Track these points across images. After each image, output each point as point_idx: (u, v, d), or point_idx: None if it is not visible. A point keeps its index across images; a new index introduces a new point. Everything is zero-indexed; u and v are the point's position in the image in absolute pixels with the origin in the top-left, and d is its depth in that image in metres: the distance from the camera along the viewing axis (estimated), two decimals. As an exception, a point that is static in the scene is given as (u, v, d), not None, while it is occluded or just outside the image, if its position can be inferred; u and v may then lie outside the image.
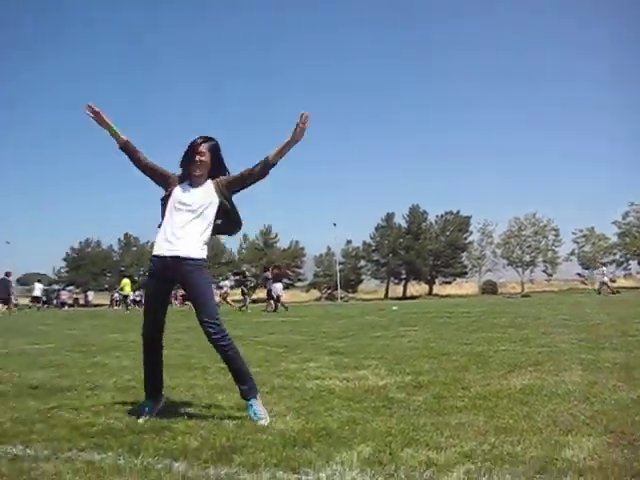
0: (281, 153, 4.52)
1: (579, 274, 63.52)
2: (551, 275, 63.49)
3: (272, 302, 26.90)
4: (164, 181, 4.57)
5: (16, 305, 31.62)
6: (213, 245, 70.04)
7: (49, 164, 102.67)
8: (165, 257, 4.35)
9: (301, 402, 4.90)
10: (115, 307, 45.06)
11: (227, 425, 4.13)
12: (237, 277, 55.22)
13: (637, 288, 50.21)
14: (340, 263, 65.23)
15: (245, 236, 70.41)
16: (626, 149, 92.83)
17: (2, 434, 4.05)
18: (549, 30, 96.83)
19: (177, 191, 4.46)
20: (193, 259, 4.36)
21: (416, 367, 6.61)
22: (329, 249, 70.50)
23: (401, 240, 67.34)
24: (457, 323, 14.13)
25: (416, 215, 68.15)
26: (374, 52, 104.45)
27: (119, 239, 72.52)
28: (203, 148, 4.44)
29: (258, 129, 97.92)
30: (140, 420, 4.29)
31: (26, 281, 62.64)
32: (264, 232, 71.11)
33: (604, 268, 42.23)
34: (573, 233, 62.44)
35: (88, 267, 68.79)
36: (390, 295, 65.26)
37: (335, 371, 6.55)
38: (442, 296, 59.21)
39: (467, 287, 67.02)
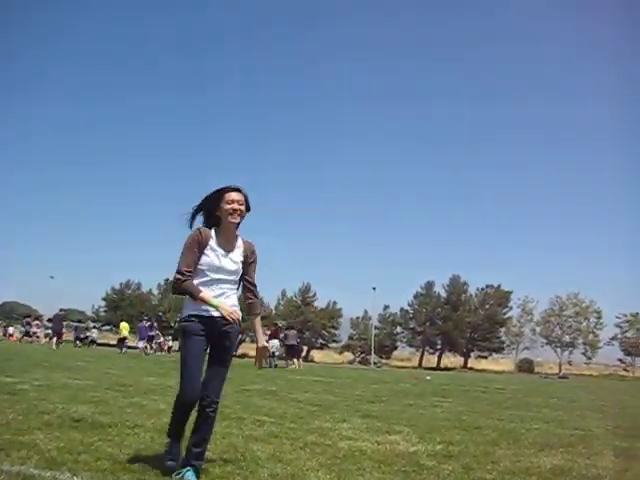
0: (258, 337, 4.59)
1: (620, 360, 61.95)
2: (590, 358, 62.02)
3: (295, 360, 26.97)
4: (199, 248, 4.27)
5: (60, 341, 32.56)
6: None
7: (99, 202, 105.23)
8: (214, 317, 4.19)
9: (333, 460, 5.04)
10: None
11: (262, 474, 4.29)
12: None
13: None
14: (376, 328, 64.86)
15: (284, 292, 70.71)
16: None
17: (50, 461, 4.28)
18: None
19: (213, 254, 4.27)
20: (238, 324, 4.30)
21: (447, 437, 6.69)
22: (366, 312, 70.23)
23: (439, 310, 66.79)
24: (491, 399, 14.04)
25: (456, 285, 67.68)
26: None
27: (159, 284, 73.21)
28: (240, 197, 4.33)
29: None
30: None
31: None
32: (303, 290, 71.24)
33: None
34: (617, 317, 61.18)
35: (126, 309, 69.38)
36: (424, 364, 64.43)
37: (367, 434, 6.67)
38: (477, 370, 58.33)
39: (503, 363, 65.86)
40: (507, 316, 65.94)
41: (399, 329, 70.23)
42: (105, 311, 71.42)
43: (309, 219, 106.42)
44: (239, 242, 4.40)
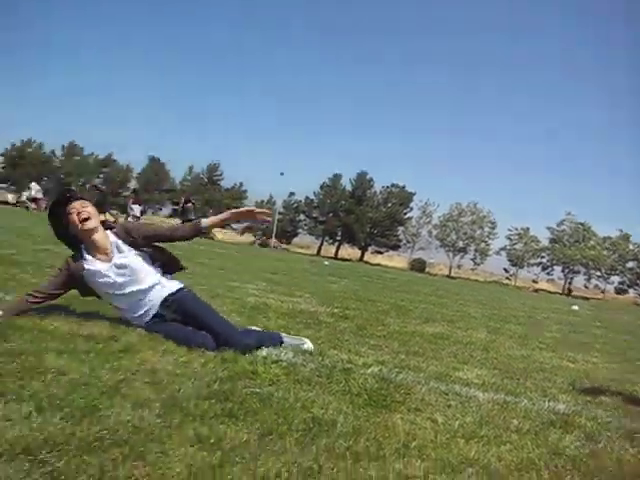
0: (215, 225, 4.06)
1: (505, 269, 65.71)
2: (478, 265, 65.50)
3: None
4: (72, 280, 3.80)
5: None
6: (158, 171, 69.52)
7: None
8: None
9: (241, 308, 5.53)
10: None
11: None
12: (175, 207, 55.09)
13: (556, 293, 52.77)
14: (279, 213, 65.61)
15: (191, 168, 70.13)
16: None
17: None
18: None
19: (97, 275, 3.75)
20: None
21: (344, 304, 7.33)
22: (271, 197, 70.75)
23: (343, 202, 68.03)
24: (384, 284, 15.00)
25: (363, 181, 68.84)
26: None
27: (63, 145, 70.74)
28: (79, 205, 3.78)
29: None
30: None
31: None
32: (211, 167, 70.78)
33: None
34: (509, 230, 64.44)
35: (27, 167, 67.06)
36: (322, 253, 66.16)
37: (271, 294, 7.22)
38: (372, 264, 60.52)
39: (397, 260, 68.47)
40: (407, 216, 68.07)
41: (302, 217, 71.31)
42: (3, 167, 68.55)
43: (232, 97, 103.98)
44: (112, 238, 3.83)
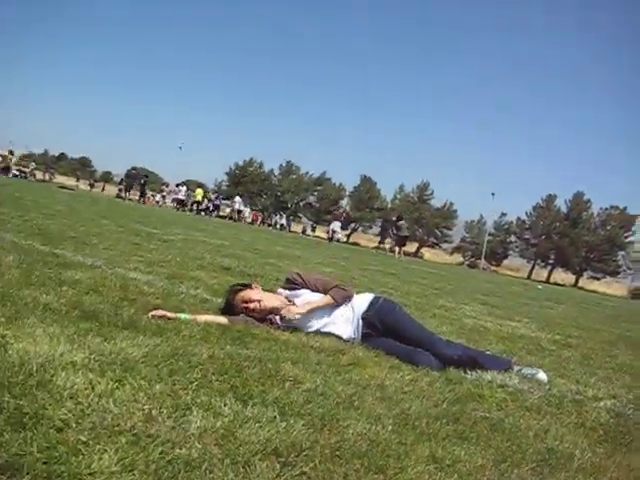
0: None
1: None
2: None
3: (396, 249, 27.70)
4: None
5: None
6: (369, 188, 71.13)
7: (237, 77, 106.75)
8: None
9: (460, 330, 5.47)
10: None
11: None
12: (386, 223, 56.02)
13: None
14: (490, 234, 64.28)
15: (401, 186, 71.04)
16: None
17: (214, 292, 4.93)
18: None
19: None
20: None
21: (565, 331, 6.96)
22: (481, 217, 69.69)
23: (557, 224, 65.19)
24: (604, 312, 14.08)
25: (579, 203, 65.52)
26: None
27: (281, 164, 75.18)
28: (254, 295, 3.94)
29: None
30: None
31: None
32: (421, 187, 71.11)
33: None
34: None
35: (247, 185, 72.03)
36: (533, 277, 63.65)
37: (488, 317, 7.06)
38: (587, 290, 57.15)
39: (615, 287, 63.81)
40: (628, 240, 63.49)
41: (513, 238, 69.37)
42: (227, 185, 74.13)
43: (437, 119, 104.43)
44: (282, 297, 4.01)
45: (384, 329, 3.83)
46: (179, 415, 2.00)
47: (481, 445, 2.28)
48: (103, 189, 60.56)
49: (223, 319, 3.73)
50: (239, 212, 45.04)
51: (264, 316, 3.84)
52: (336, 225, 33.60)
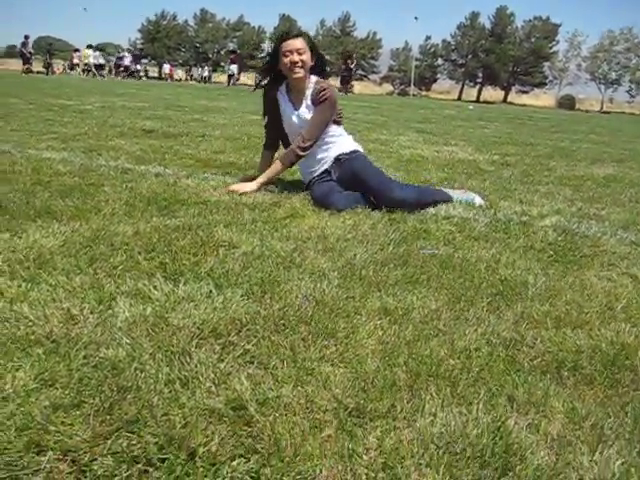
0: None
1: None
2: (634, 97, 60.49)
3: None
4: (274, 106, 3.86)
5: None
6: (290, 26, 68.52)
7: None
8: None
9: (398, 162, 5.34)
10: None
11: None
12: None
13: None
14: (416, 59, 63.36)
15: (322, 21, 68.57)
16: None
17: (138, 159, 4.61)
18: None
19: (283, 109, 3.82)
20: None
21: (501, 150, 6.93)
22: (407, 43, 68.36)
23: (483, 42, 64.40)
24: (537, 125, 14.16)
25: (502, 17, 64.39)
26: None
27: (195, 14, 70.92)
28: (297, 44, 3.61)
29: None
30: None
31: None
32: (342, 19, 68.77)
33: None
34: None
35: (163, 40, 68.20)
36: (463, 97, 63.75)
37: (424, 145, 6.95)
38: (517, 104, 57.69)
39: (544, 98, 64.68)
40: (553, 50, 63.46)
41: (440, 61, 68.59)
42: (142, 43, 70.07)
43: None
44: (307, 94, 3.71)
45: (350, 176, 3.60)
46: (103, 309, 1.78)
47: (433, 287, 2.16)
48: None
49: (278, 166, 3.70)
50: (127, 69, 42.59)
51: (304, 75, 3.63)
52: (233, 68, 34.19)
